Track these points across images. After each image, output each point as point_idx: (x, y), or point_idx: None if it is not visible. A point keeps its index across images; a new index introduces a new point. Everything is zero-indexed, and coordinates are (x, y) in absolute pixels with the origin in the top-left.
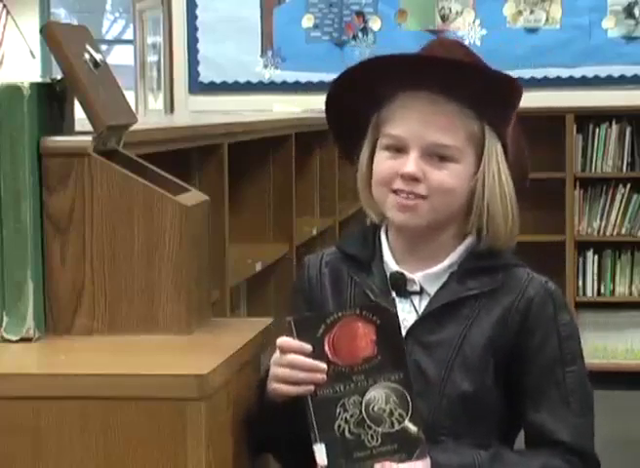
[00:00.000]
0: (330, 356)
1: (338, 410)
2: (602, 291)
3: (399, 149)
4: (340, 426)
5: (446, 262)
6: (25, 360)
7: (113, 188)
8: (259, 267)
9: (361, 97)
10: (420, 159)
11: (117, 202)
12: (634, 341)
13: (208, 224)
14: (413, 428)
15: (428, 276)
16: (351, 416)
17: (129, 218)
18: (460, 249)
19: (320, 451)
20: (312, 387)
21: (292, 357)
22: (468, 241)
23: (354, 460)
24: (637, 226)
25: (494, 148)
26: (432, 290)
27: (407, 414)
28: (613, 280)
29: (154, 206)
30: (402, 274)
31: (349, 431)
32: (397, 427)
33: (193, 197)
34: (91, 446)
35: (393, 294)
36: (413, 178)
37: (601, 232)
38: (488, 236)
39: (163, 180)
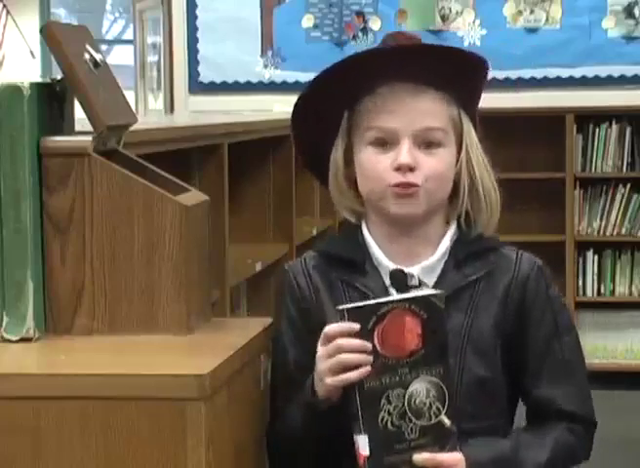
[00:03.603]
0: (378, 348)
1: (382, 402)
2: (602, 291)
3: (386, 142)
4: (383, 418)
5: (438, 252)
6: (25, 360)
7: (113, 188)
8: (259, 267)
9: (334, 95)
10: (411, 148)
11: (117, 202)
12: (634, 341)
13: (208, 224)
14: (447, 421)
15: (425, 268)
16: (394, 409)
17: (129, 218)
18: (448, 237)
19: (363, 442)
20: (364, 370)
21: (340, 341)
22: (453, 227)
23: (394, 452)
24: (637, 226)
25: (471, 133)
26: (430, 280)
27: (443, 408)
28: (613, 280)
29: (154, 206)
30: (402, 271)
31: (392, 423)
32: (434, 420)
33: (193, 197)
34: (91, 446)
35: (393, 292)
36: (409, 168)
37: (601, 232)
38: (480, 220)
39: (163, 180)
